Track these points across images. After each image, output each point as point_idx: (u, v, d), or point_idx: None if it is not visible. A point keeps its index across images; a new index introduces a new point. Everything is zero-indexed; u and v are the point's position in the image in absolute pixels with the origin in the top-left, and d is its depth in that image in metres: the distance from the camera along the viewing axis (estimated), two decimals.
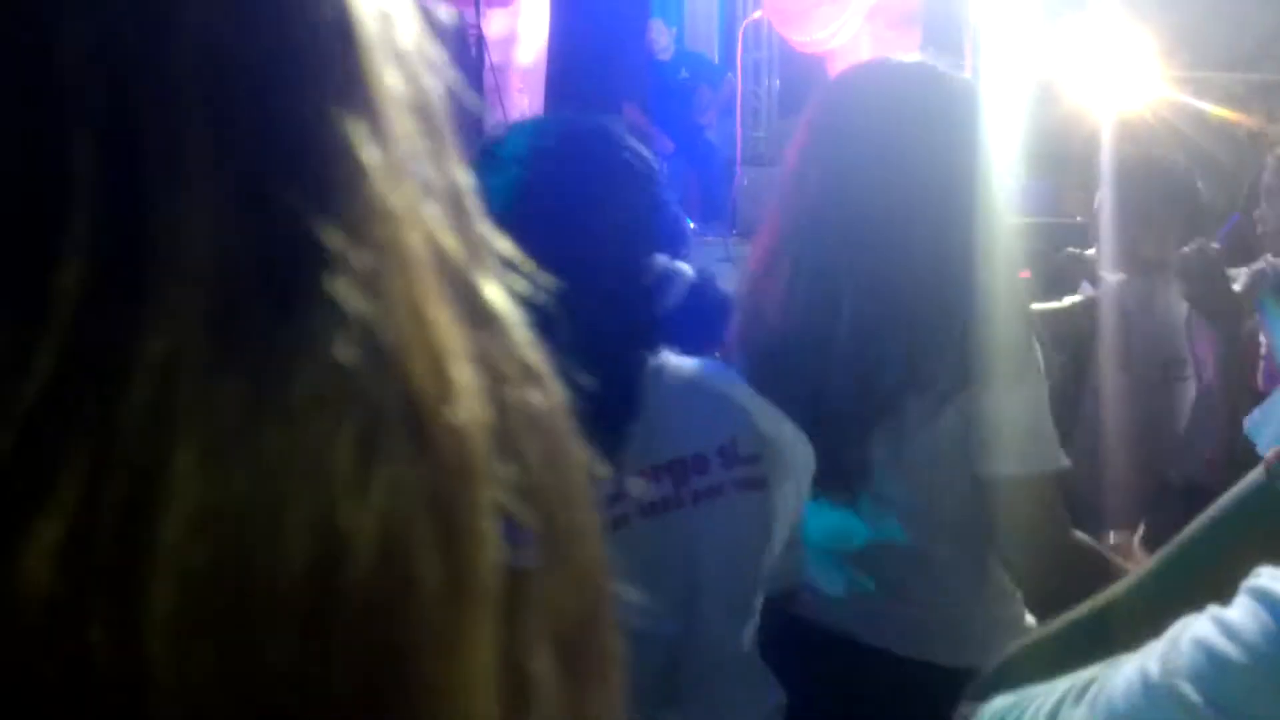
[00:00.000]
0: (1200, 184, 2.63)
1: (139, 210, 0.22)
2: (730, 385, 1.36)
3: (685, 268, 1.32)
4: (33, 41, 0.21)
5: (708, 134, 6.87)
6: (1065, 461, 1.48)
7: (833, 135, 1.54)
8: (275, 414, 0.22)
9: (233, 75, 0.23)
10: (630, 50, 6.58)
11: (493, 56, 5.24)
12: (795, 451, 1.35)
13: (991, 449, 1.46)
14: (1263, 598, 0.58)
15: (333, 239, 0.23)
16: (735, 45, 6.36)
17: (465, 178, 0.28)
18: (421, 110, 0.27)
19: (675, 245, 1.38)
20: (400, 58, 0.27)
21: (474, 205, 0.28)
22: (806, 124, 1.59)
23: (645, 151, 1.29)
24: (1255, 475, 0.75)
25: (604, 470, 0.30)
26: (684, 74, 6.79)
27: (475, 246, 0.28)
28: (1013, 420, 1.45)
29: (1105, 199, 2.58)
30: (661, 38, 6.70)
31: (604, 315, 1.13)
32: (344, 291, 0.23)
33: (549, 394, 0.28)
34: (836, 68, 4.11)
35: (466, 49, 5.01)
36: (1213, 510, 0.76)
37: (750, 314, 1.57)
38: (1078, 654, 0.72)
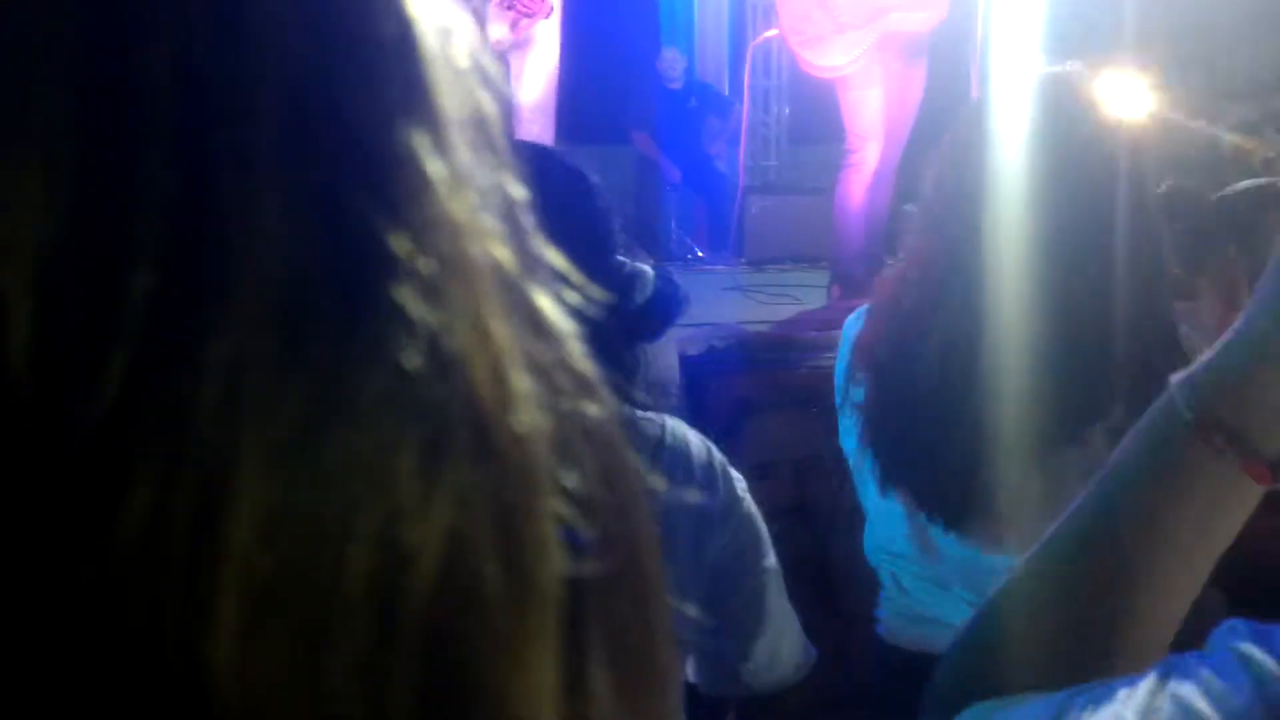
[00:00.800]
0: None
1: (211, 215, 0.22)
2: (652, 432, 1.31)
3: (645, 267, 1.30)
4: (113, 53, 0.22)
5: (717, 164, 6.87)
6: None
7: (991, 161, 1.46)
8: (341, 419, 0.22)
9: (303, 86, 0.24)
10: (641, 79, 6.61)
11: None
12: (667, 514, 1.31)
13: None
14: (1246, 664, 0.56)
15: (400, 246, 0.23)
16: (743, 74, 6.38)
17: (519, 191, 0.28)
18: (479, 124, 0.27)
19: (629, 249, 1.37)
20: (459, 73, 0.27)
21: (527, 219, 0.28)
22: (952, 150, 1.53)
23: (577, 167, 1.30)
24: (1159, 402, 0.69)
25: (659, 484, 0.31)
26: (693, 103, 6.80)
27: (530, 259, 0.28)
28: None
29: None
30: (676, 66, 6.72)
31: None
32: (410, 299, 0.23)
33: (603, 406, 0.28)
34: (846, 95, 4.10)
35: None
36: (1123, 443, 0.70)
37: (886, 341, 1.52)
38: (1028, 647, 0.69)
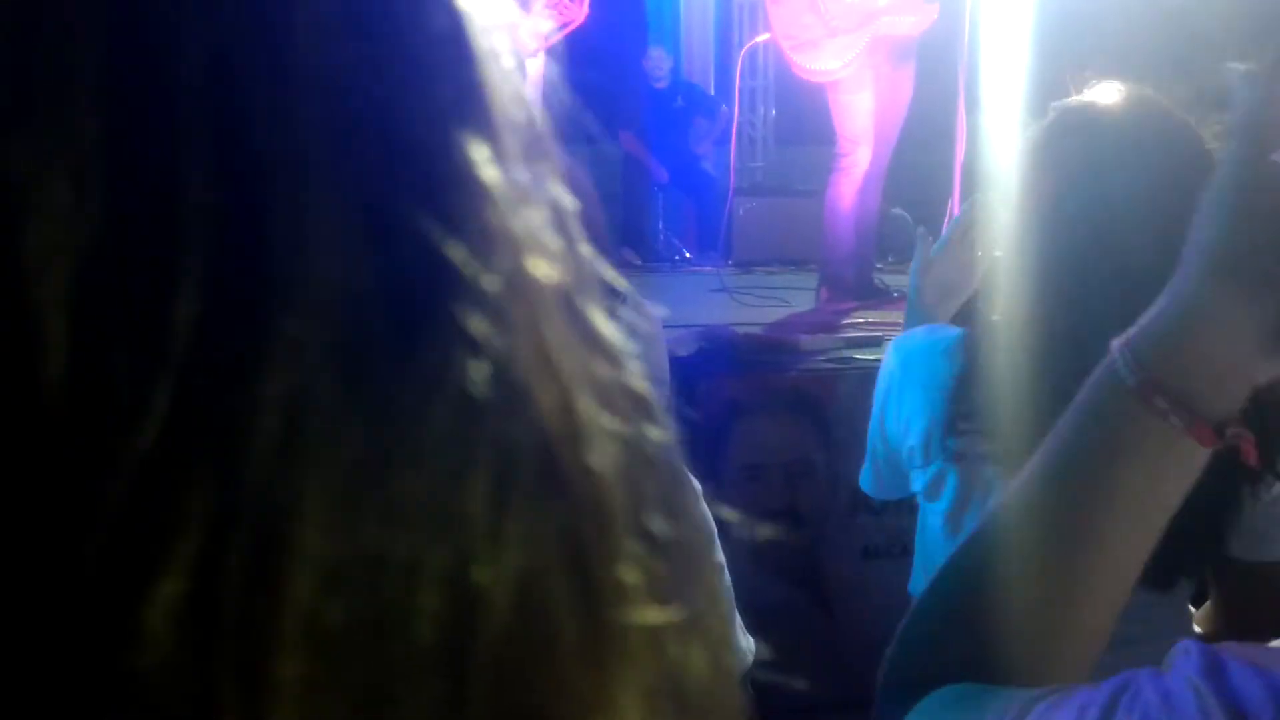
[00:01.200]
0: None
1: (258, 237, 0.20)
2: None
3: None
4: (142, 54, 0.20)
5: (704, 164, 6.87)
6: None
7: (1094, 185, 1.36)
8: (406, 456, 0.21)
9: (351, 91, 0.22)
10: (628, 78, 6.60)
11: None
12: None
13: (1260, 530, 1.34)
14: (1198, 697, 0.55)
15: (462, 264, 0.22)
16: (731, 73, 6.38)
17: (569, 200, 0.26)
18: (530, 129, 0.26)
19: None
20: (508, 74, 0.25)
21: (578, 230, 0.26)
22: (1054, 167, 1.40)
23: None
24: (1100, 370, 0.68)
25: (728, 514, 0.28)
26: (679, 103, 6.80)
27: (583, 274, 0.26)
28: None
29: None
30: (662, 65, 6.71)
31: None
32: (474, 320, 0.22)
33: (662, 430, 0.26)
34: (836, 99, 4.11)
35: None
36: (1068, 410, 0.70)
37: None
38: (975, 630, 0.69)
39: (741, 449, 2.84)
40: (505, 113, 0.24)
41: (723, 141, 6.51)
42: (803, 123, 5.88)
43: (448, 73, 0.23)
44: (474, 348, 0.22)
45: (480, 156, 0.23)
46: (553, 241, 0.25)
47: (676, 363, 2.80)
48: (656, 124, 6.55)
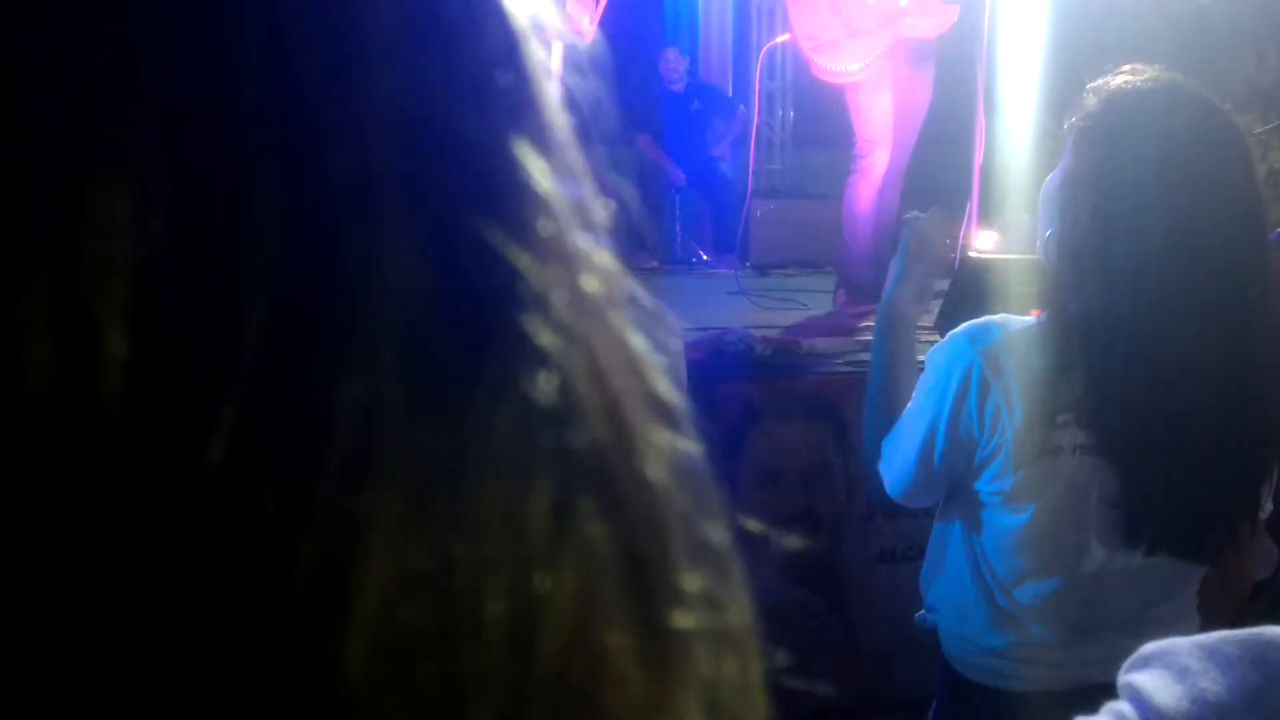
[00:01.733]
0: None
1: (327, 248, 0.20)
2: None
3: None
4: (209, 80, 0.20)
5: (720, 166, 6.86)
6: None
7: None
8: (474, 466, 0.21)
9: (415, 106, 0.22)
10: (644, 81, 6.59)
11: None
12: None
13: None
14: (1129, 693, 0.55)
15: (527, 274, 0.22)
16: (749, 74, 6.37)
17: (605, 212, 0.27)
18: (574, 141, 0.26)
19: None
20: (554, 88, 0.26)
21: (611, 241, 0.27)
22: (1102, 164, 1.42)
23: None
24: None
25: (754, 524, 0.29)
26: (696, 105, 6.79)
27: (617, 284, 0.26)
28: None
29: None
30: (679, 67, 6.71)
31: None
32: (539, 330, 0.22)
33: (692, 440, 0.27)
34: (856, 100, 4.10)
35: None
36: None
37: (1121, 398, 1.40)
38: None
39: (759, 453, 2.84)
40: (556, 127, 0.25)
41: (740, 144, 6.50)
42: (821, 125, 5.86)
43: (505, 89, 0.24)
44: (538, 357, 0.22)
45: (538, 169, 0.23)
46: (598, 254, 0.25)
47: (694, 366, 2.80)
48: (673, 126, 6.54)
